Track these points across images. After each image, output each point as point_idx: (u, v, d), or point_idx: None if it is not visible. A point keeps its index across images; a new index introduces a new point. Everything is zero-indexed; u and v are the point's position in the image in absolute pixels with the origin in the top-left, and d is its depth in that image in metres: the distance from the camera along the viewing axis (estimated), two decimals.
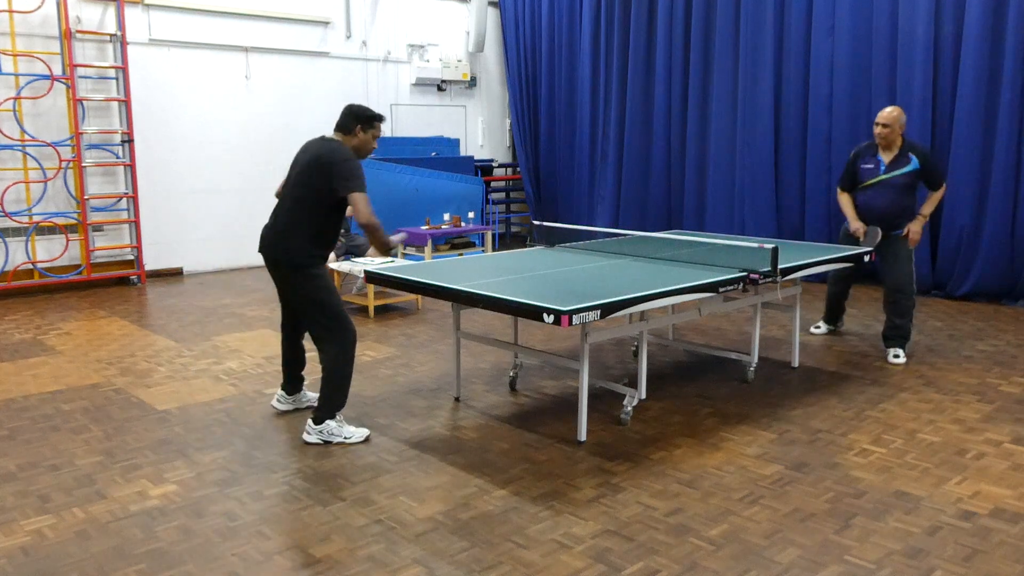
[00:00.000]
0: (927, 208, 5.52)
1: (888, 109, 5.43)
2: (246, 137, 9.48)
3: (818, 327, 6.26)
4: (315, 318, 3.99)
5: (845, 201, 5.68)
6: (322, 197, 3.89)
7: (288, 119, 9.71)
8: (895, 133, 5.39)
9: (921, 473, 3.69)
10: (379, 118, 4.11)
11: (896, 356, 5.53)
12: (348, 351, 3.99)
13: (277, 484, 3.62)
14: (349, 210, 7.84)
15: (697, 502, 3.41)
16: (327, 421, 4.03)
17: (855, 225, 5.56)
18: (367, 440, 4.08)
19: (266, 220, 4.17)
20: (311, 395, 4.53)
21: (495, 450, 4.00)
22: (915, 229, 5.46)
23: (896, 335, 5.56)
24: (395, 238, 4.16)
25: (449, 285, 4.07)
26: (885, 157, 5.46)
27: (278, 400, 4.55)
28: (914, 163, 5.40)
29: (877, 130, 5.41)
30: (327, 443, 4.04)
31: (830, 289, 6.16)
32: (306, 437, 4.07)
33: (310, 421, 4.05)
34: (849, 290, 6.13)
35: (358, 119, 4.04)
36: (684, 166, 9.64)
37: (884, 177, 5.45)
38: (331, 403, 4.03)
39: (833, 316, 6.27)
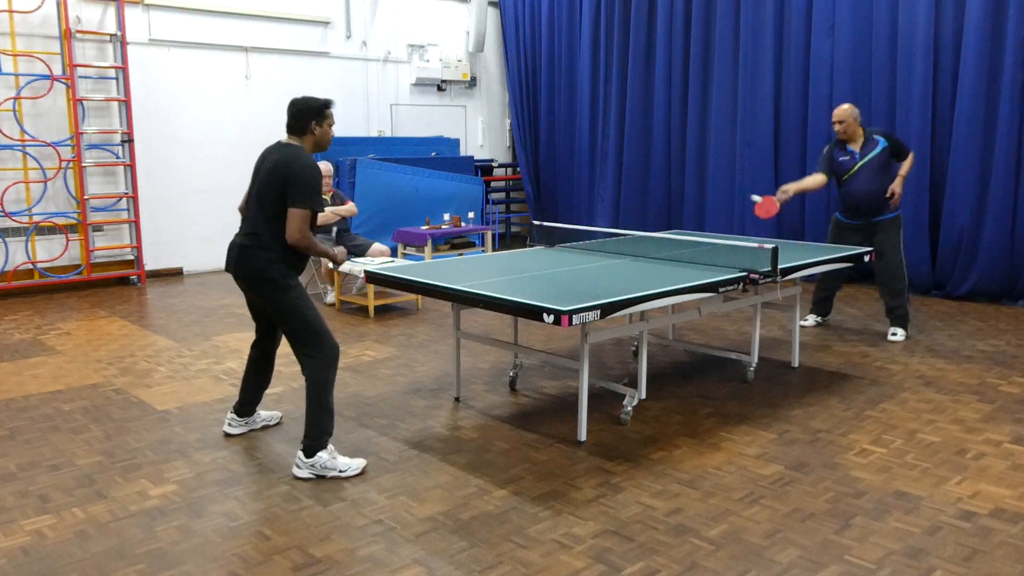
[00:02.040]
0: (904, 169, 5.98)
1: (841, 106, 5.97)
2: (246, 137, 9.47)
3: (806, 320, 6.43)
4: (294, 332, 3.69)
5: (813, 179, 6.12)
6: (284, 208, 3.60)
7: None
8: (851, 126, 5.90)
9: (921, 473, 3.69)
10: (328, 104, 3.79)
11: (894, 334, 6.08)
12: (330, 366, 3.68)
13: (277, 484, 3.62)
14: (348, 209, 7.81)
15: (697, 502, 3.41)
16: (319, 453, 3.65)
17: (785, 187, 6.01)
18: (363, 472, 3.71)
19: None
20: (265, 415, 4.32)
21: (495, 450, 4.00)
22: (897, 189, 5.90)
23: (894, 315, 6.10)
24: (338, 250, 3.92)
25: (449, 285, 4.06)
26: (855, 147, 5.98)
27: (229, 424, 4.21)
28: (882, 143, 5.93)
29: (836, 127, 5.95)
30: (320, 477, 3.65)
31: (824, 283, 6.35)
32: (296, 472, 3.67)
33: (300, 454, 3.67)
34: (842, 285, 6.42)
35: (310, 115, 3.73)
36: (684, 166, 9.64)
37: (862, 163, 5.93)
38: (319, 427, 3.65)
39: (824, 308, 6.45)
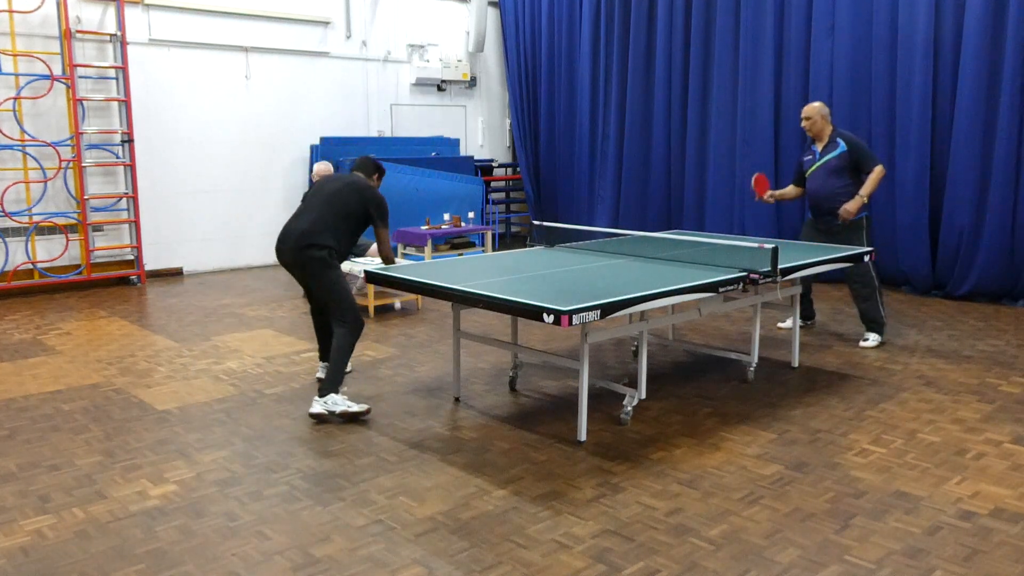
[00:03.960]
0: (865, 189, 5.78)
1: (810, 104, 6.02)
2: (246, 137, 9.48)
3: (785, 322, 6.54)
4: (333, 302, 4.55)
5: (790, 189, 6.33)
6: (355, 218, 4.62)
7: (288, 119, 9.71)
8: (817, 124, 5.92)
9: (921, 473, 3.69)
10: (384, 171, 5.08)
11: (864, 340, 5.97)
12: (355, 333, 4.52)
13: (277, 484, 3.62)
14: None
15: (697, 502, 3.41)
16: (331, 394, 4.42)
17: (769, 193, 6.28)
18: (367, 412, 4.44)
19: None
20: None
21: (495, 450, 4.00)
22: (847, 207, 5.75)
23: (866, 320, 5.98)
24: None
25: (449, 285, 4.07)
26: (819, 147, 5.99)
27: (321, 371, 5.03)
28: (841, 146, 5.86)
29: (803, 124, 5.99)
30: (331, 413, 4.39)
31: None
32: (312, 408, 4.44)
33: (316, 396, 4.47)
34: (810, 285, 6.39)
35: (377, 169, 4.95)
36: (684, 166, 9.64)
37: (819, 163, 5.95)
38: (335, 377, 4.48)
39: (805, 312, 6.47)
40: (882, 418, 4.41)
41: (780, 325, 6.54)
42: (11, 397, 4.88)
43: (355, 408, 4.41)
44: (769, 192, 6.23)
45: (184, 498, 3.49)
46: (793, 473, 3.70)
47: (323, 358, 5.05)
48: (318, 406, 4.42)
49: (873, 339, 5.92)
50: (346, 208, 4.58)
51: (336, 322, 4.54)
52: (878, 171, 5.76)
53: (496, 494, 3.50)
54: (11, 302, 7.70)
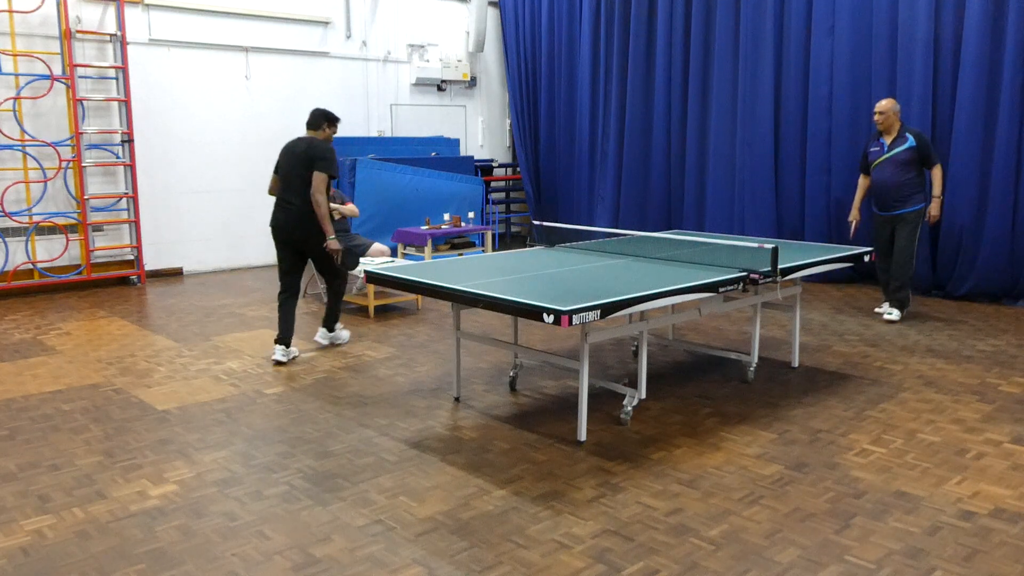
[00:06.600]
0: (936, 189, 6.48)
1: (883, 100, 6.52)
2: (246, 137, 9.48)
3: (891, 313, 6.70)
4: (326, 265, 5.66)
5: (860, 185, 6.84)
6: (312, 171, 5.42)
7: (288, 119, 9.71)
8: (889, 119, 6.45)
9: (921, 473, 3.69)
10: (338, 120, 5.68)
11: (889, 313, 6.64)
12: (345, 282, 5.90)
13: (277, 484, 3.62)
14: (349, 209, 7.89)
15: (697, 502, 3.41)
16: (337, 329, 5.95)
17: (852, 214, 6.88)
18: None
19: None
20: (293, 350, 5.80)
21: (495, 450, 4.00)
22: (933, 213, 6.52)
23: (894, 299, 6.64)
24: (333, 240, 5.52)
25: (449, 285, 4.07)
26: (887, 139, 6.51)
27: (279, 354, 5.53)
28: (910, 141, 6.42)
29: (875, 118, 6.52)
30: (333, 344, 5.94)
31: (881, 269, 6.78)
32: (318, 339, 5.95)
33: (323, 330, 5.92)
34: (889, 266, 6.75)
35: (326, 118, 5.55)
36: (684, 166, 9.64)
37: (887, 155, 6.47)
38: (335, 313, 5.89)
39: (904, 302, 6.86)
40: (882, 418, 4.41)
41: (879, 311, 6.83)
42: (11, 397, 4.88)
43: (347, 336, 6.04)
44: (852, 218, 6.86)
45: (184, 498, 3.49)
46: (793, 473, 3.70)
47: (280, 341, 5.55)
48: (324, 339, 5.92)
49: (896, 314, 6.57)
50: (306, 169, 5.36)
51: (328, 277, 5.78)
52: (940, 169, 6.47)
53: (496, 494, 3.50)
54: (11, 302, 7.70)
